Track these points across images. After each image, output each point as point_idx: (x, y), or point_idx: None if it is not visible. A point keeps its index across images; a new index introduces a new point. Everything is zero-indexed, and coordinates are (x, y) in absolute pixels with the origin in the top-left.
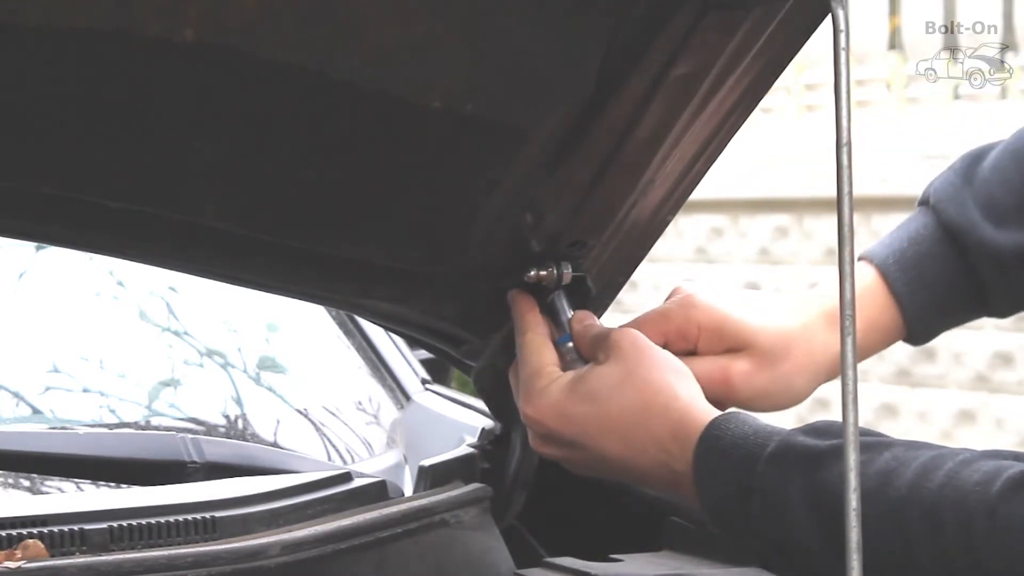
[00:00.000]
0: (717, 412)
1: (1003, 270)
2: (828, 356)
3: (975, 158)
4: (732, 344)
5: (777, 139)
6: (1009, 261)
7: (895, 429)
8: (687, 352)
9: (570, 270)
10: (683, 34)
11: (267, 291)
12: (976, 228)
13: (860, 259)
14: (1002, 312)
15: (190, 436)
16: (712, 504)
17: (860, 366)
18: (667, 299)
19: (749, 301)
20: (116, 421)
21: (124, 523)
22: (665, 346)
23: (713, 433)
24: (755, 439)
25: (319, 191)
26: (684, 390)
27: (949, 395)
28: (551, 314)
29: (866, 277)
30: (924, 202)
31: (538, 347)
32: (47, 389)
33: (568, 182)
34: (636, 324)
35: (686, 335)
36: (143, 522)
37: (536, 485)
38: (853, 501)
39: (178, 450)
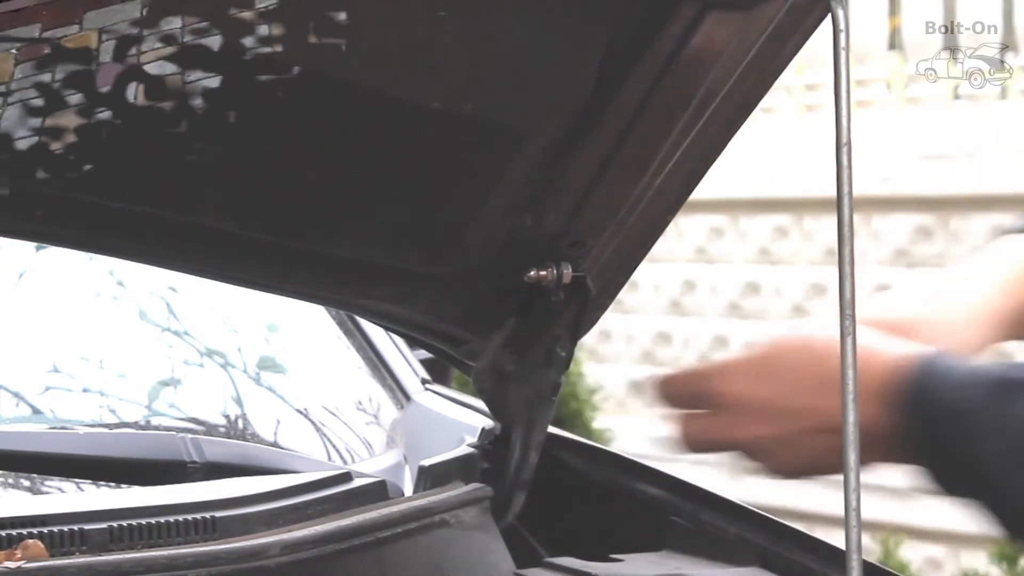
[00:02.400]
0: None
1: None
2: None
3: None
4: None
5: (777, 139)
6: None
7: None
8: None
9: (570, 270)
10: (683, 34)
11: (268, 291)
12: None
13: None
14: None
15: (190, 436)
16: (920, 434)
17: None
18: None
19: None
20: (116, 421)
21: (124, 523)
22: None
23: (924, 369)
24: (969, 370)
25: (319, 191)
26: (872, 339)
27: None
28: None
29: None
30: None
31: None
32: (47, 389)
33: (568, 182)
34: None
35: None
36: (143, 522)
37: (536, 485)
38: (853, 501)
39: (178, 450)
